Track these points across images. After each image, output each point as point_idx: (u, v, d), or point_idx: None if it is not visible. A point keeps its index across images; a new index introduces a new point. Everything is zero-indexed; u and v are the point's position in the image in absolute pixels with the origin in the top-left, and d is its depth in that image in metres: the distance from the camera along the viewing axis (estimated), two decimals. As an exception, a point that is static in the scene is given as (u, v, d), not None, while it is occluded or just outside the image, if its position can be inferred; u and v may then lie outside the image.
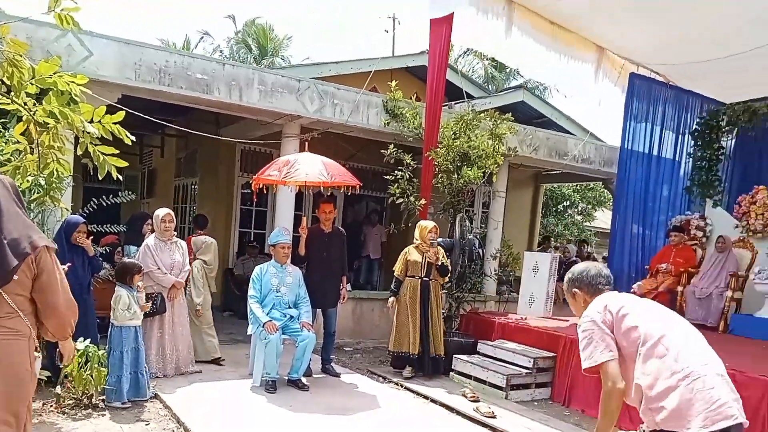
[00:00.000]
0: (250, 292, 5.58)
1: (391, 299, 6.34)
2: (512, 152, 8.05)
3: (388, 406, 5.29)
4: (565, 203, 19.08)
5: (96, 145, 4.04)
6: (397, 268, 6.34)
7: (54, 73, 3.84)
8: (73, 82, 3.92)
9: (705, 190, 9.41)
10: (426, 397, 5.70)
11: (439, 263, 6.22)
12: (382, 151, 7.58)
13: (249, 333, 5.61)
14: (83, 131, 4.04)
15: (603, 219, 24.73)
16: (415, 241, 6.35)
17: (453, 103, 9.80)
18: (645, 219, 9.19)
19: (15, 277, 2.38)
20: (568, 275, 2.96)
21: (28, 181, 4.52)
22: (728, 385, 2.50)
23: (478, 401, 5.56)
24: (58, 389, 4.50)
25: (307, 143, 6.43)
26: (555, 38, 8.77)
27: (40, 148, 4.32)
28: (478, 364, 6.26)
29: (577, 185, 17.87)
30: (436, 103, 7.57)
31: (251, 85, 7.10)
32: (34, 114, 4.01)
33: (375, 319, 8.22)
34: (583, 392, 5.73)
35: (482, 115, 7.91)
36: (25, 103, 3.94)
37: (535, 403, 5.90)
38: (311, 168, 5.70)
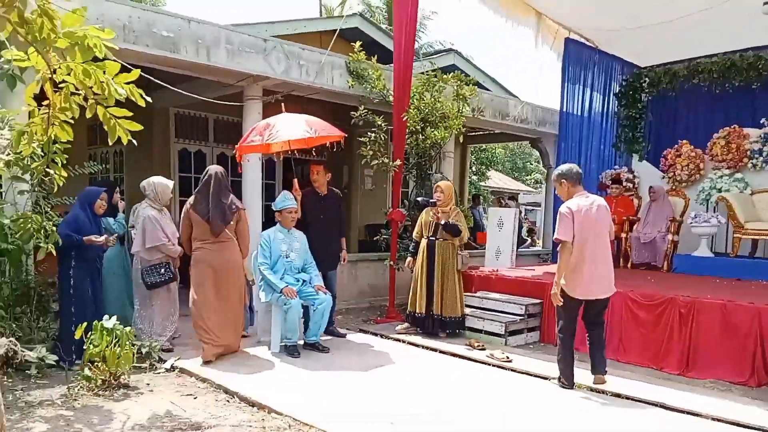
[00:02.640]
0: (260, 259, 5.39)
1: (408, 259, 6.54)
2: (477, 113, 8.27)
3: (411, 360, 5.41)
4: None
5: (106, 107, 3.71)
6: (415, 229, 6.49)
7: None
8: (97, 37, 3.54)
9: (630, 146, 10.28)
10: (434, 350, 5.86)
11: (442, 222, 6.15)
12: (351, 113, 7.51)
13: (263, 301, 5.43)
14: (105, 92, 3.67)
15: (494, 179, 26.17)
16: None
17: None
18: (584, 175, 9.86)
19: (231, 222, 5.09)
20: (557, 171, 4.82)
21: (33, 147, 4.05)
22: (605, 280, 4.58)
23: (485, 349, 5.83)
24: (86, 371, 4.15)
25: (284, 105, 6.22)
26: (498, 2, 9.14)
27: (49, 111, 3.87)
28: (471, 315, 6.51)
29: (473, 147, 18.59)
30: (407, 61, 7.51)
31: (218, 44, 6.67)
32: (54, 72, 3.58)
33: (343, 280, 8.20)
34: (573, 333, 6.17)
35: (446, 76, 8.05)
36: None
37: (531, 346, 6.27)
38: (293, 126, 5.56)
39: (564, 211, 4.52)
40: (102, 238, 4.78)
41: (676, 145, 9.35)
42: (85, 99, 3.77)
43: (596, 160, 10.29)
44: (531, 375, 5.08)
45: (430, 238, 6.27)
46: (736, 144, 8.68)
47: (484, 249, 9.99)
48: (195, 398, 4.16)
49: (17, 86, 3.98)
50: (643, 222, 8.59)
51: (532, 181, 29.67)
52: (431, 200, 6.63)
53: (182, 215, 5.25)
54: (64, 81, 3.66)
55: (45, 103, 3.76)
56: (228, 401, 4.13)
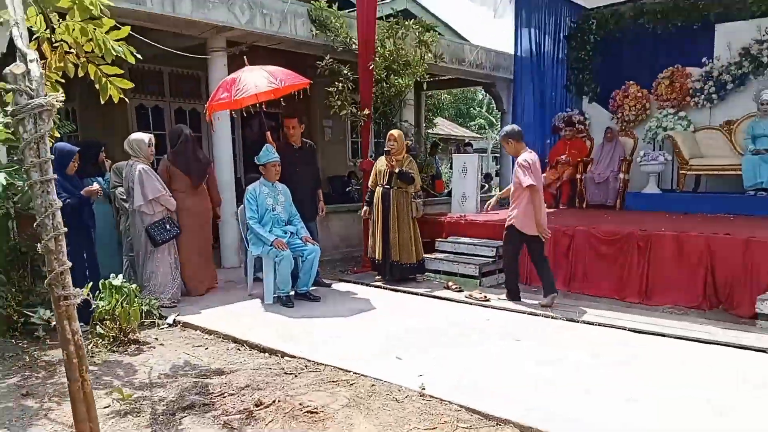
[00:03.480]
0: (248, 214, 5.51)
1: (364, 209, 6.62)
2: (438, 60, 8.42)
3: (397, 303, 5.74)
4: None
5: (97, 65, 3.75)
6: (370, 179, 6.57)
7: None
8: (95, -5, 3.53)
9: (581, 88, 10.68)
10: (416, 294, 6.19)
11: (396, 170, 6.24)
12: (317, 62, 7.54)
13: (255, 254, 5.60)
14: (102, 50, 3.69)
15: (441, 126, 26.39)
16: None
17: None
18: (538, 118, 10.26)
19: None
20: (502, 133, 5.84)
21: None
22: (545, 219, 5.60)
23: (462, 290, 6.22)
24: (98, 329, 4.27)
25: (246, 58, 6.20)
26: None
27: (44, 71, 3.83)
28: (444, 259, 6.88)
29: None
30: (370, 7, 7.50)
31: (182, -6, 6.55)
32: (53, 32, 3.57)
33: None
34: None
35: (408, 22, 8.13)
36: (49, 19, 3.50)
37: (502, 286, 6.64)
38: (258, 79, 5.59)
39: (524, 164, 5.47)
40: (95, 186, 4.79)
41: (623, 86, 9.81)
42: (77, 57, 3.77)
43: (549, 103, 10.66)
44: (508, 310, 5.51)
45: (385, 186, 6.36)
46: (679, 83, 9.20)
47: (443, 197, 10.35)
48: (206, 348, 4.36)
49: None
50: (596, 163, 9.10)
51: (476, 126, 30.01)
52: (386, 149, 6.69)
53: (159, 171, 5.57)
54: (60, 41, 3.65)
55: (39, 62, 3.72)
56: (239, 349, 4.35)
